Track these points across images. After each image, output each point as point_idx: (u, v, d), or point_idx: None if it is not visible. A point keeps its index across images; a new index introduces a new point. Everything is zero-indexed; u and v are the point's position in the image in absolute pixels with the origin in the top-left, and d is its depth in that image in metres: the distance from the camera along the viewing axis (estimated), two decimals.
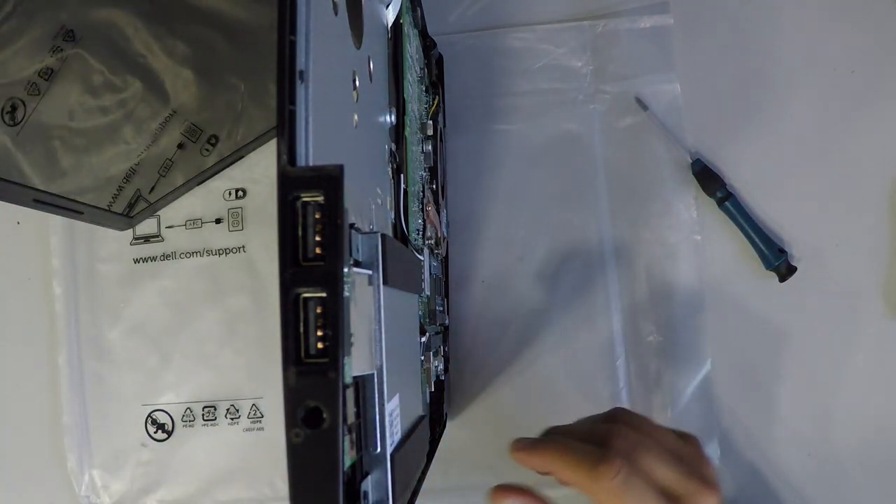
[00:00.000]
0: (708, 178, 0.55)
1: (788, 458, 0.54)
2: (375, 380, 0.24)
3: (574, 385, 0.55)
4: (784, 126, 0.56)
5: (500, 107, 0.57)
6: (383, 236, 0.23)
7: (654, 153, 0.56)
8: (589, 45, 0.57)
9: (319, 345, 0.19)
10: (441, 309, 0.47)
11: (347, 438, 0.20)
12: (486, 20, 0.57)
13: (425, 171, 0.42)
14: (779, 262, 0.54)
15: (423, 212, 0.39)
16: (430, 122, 0.44)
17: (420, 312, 0.37)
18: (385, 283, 0.24)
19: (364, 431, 0.23)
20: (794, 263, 0.54)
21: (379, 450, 0.24)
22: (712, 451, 0.53)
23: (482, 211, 0.57)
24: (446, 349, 0.51)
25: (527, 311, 0.55)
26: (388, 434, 0.24)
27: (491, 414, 0.55)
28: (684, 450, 0.39)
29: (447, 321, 0.52)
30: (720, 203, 0.55)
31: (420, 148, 0.41)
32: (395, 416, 0.25)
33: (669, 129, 0.56)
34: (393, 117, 0.33)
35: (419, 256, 0.36)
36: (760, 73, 0.57)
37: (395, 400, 0.26)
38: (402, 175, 0.34)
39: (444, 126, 0.55)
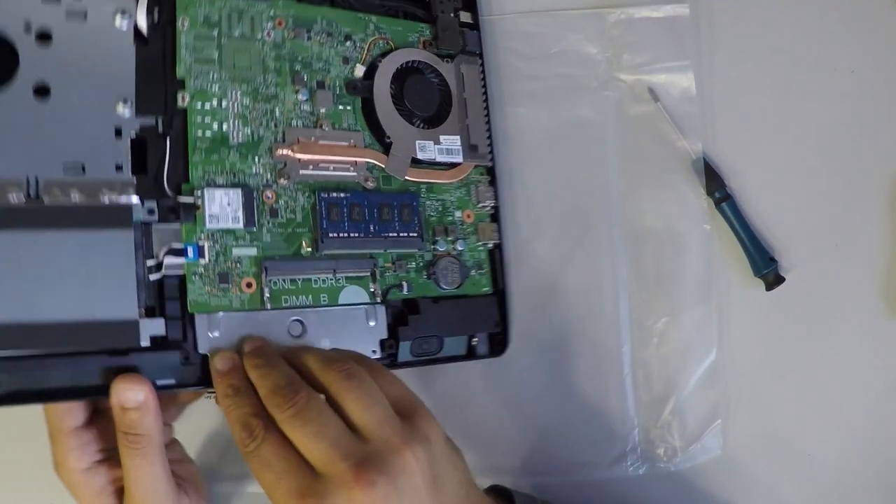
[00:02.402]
0: (709, 177, 0.57)
1: (788, 457, 0.56)
2: None
3: (578, 370, 0.57)
4: (784, 126, 0.59)
5: (515, 90, 0.58)
6: None
7: (666, 143, 0.58)
8: (605, 32, 0.59)
9: None
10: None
11: None
12: (504, 6, 0.59)
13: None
14: (768, 270, 0.56)
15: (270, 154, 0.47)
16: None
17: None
18: None
19: None
20: (782, 274, 0.57)
21: None
22: (715, 441, 0.55)
23: None
24: None
25: (535, 296, 0.57)
26: None
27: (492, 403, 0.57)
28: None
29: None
30: (717, 203, 0.57)
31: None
32: None
33: (680, 121, 0.58)
34: None
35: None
36: (760, 73, 0.59)
37: None
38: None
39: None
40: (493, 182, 0.54)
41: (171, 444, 0.48)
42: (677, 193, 0.57)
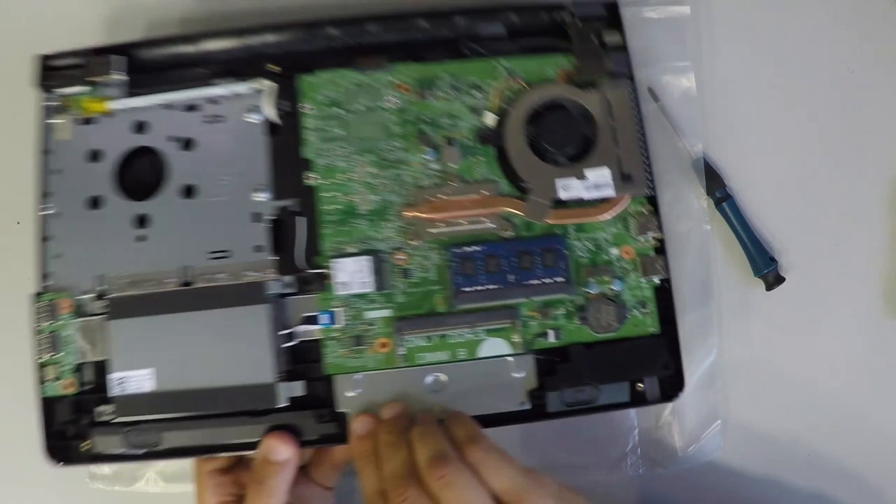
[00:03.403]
0: (710, 177, 0.57)
1: (788, 457, 0.56)
2: None
3: None
4: (784, 125, 0.59)
5: None
6: None
7: (666, 143, 0.58)
8: None
9: None
10: None
11: None
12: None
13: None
14: (768, 270, 0.56)
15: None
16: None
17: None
18: None
19: None
20: (783, 274, 0.56)
21: None
22: (715, 441, 0.55)
23: None
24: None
25: None
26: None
27: None
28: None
29: None
30: (717, 203, 0.57)
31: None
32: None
33: (680, 121, 0.58)
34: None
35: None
36: (760, 73, 0.59)
37: None
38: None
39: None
40: (655, 212, 0.51)
41: None
42: (678, 193, 0.57)
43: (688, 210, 0.57)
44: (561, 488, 0.43)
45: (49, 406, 0.48)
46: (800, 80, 0.59)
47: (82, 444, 0.48)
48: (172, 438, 0.47)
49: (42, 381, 0.48)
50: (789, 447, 0.56)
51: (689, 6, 0.58)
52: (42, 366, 0.48)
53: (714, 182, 0.57)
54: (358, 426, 0.46)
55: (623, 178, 0.50)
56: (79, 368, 0.48)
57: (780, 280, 0.56)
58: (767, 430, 0.57)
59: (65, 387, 0.47)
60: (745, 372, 0.57)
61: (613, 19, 0.54)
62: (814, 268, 0.57)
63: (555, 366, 0.49)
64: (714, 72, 0.59)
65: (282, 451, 0.46)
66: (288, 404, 0.47)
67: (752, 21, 0.60)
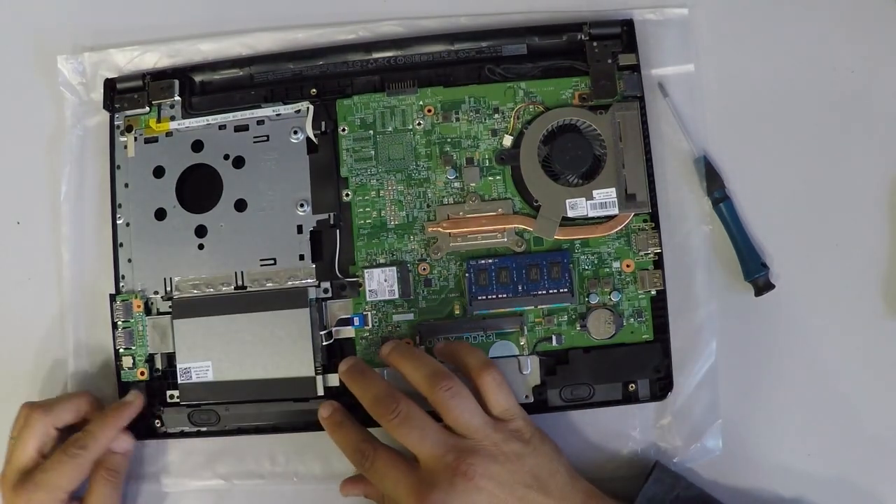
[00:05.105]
0: (709, 176, 0.59)
1: (788, 457, 0.58)
2: None
3: None
4: (782, 126, 0.60)
5: None
6: None
7: (667, 143, 0.60)
8: None
9: None
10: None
11: None
12: (501, 7, 0.61)
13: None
14: (758, 275, 0.57)
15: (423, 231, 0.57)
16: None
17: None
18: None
19: None
20: (780, 276, 0.58)
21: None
22: (715, 441, 0.56)
23: None
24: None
25: None
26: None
27: None
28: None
29: None
30: (715, 203, 0.58)
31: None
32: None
33: (686, 120, 0.59)
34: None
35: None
36: (760, 74, 0.60)
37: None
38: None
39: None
40: (656, 227, 0.56)
41: None
42: (679, 193, 0.59)
43: (688, 211, 0.59)
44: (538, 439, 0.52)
45: (126, 389, 0.57)
46: (799, 80, 0.60)
47: (154, 423, 0.57)
48: (228, 419, 0.57)
49: (120, 369, 0.57)
50: (789, 447, 0.58)
51: (688, 8, 0.60)
52: (120, 355, 0.57)
53: (714, 182, 0.58)
54: (323, 410, 0.54)
55: (627, 198, 0.55)
56: (150, 358, 0.57)
57: (769, 286, 0.57)
58: (767, 430, 0.58)
59: (139, 374, 0.57)
60: (745, 371, 0.58)
61: (629, 37, 0.58)
62: (814, 267, 0.59)
63: (556, 366, 0.56)
64: (714, 72, 0.60)
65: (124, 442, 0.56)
66: (324, 394, 0.55)
67: (752, 21, 0.61)
